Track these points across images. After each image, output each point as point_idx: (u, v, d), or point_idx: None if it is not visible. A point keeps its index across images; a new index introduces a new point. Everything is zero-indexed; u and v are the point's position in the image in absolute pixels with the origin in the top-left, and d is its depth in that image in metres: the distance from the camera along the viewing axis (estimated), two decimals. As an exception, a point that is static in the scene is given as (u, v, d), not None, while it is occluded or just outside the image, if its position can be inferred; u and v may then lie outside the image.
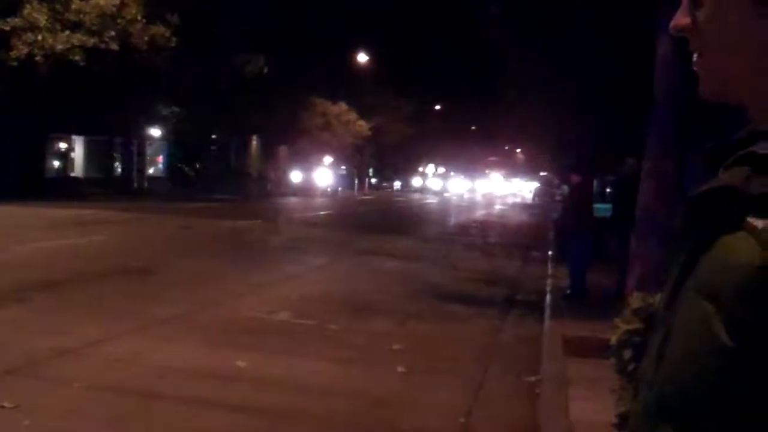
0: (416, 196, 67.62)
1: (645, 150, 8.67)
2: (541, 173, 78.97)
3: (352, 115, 60.25)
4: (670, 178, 8.24)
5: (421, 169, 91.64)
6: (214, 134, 50.49)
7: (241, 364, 7.47)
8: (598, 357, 7.58)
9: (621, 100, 16.76)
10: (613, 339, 6.10)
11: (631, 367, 5.98)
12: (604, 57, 15.65)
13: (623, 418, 5.68)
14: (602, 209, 15.53)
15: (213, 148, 51.51)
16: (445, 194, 74.95)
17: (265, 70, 42.49)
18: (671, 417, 0.89)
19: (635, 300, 6.12)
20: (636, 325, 5.98)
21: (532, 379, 7.48)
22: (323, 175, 59.94)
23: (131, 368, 7.15)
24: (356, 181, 69.90)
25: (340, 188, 60.80)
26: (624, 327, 6.05)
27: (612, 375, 6.31)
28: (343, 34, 52.64)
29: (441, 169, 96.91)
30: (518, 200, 72.45)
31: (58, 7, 27.11)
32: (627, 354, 6.00)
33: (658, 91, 8.38)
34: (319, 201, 46.29)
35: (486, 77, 40.19)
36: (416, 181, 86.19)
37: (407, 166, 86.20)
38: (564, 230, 13.35)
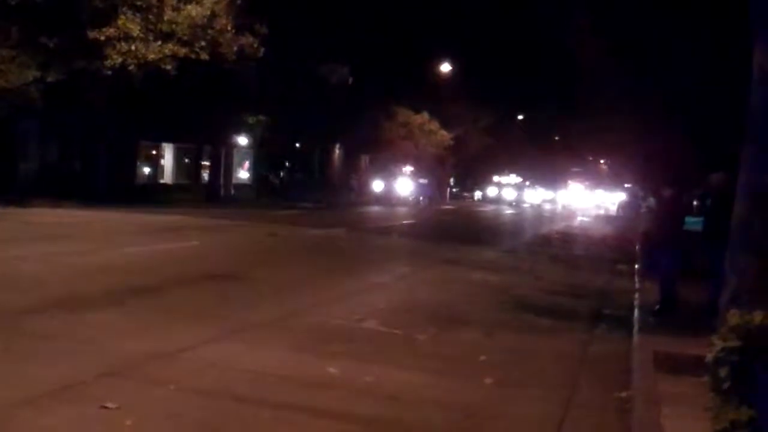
0: (492, 207, 66.09)
1: (740, 163, 8.47)
2: (626, 185, 77.28)
3: (434, 125, 60.27)
4: (766, 193, 8.04)
5: (496, 179, 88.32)
6: (298, 143, 51.14)
7: (332, 371, 7.57)
8: (690, 374, 7.45)
9: (710, 111, 16.41)
10: (709, 356, 6.00)
11: (726, 385, 5.87)
12: (694, 68, 15.37)
13: (719, 438, 5.58)
14: (691, 222, 15.22)
15: (296, 156, 52.10)
16: (522, 205, 72.12)
17: (350, 80, 42.88)
18: None
19: (733, 317, 6.00)
20: (734, 342, 5.87)
21: (623, 394, 7.38)
22: (405, 184, 59.98)
23: (223, 372, 7.30)
24: (438, 191, 69.75)
25: (421, 198, 60.77)
26: (721, 344, 5.94)
27: (706, 393, 6.20)
28: (426, 44, 52.73)
29: (518, 179, 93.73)
30: (601, 212, 71.10)
31: (151, 17, 27.84)
32: (723, 372, 5.89)
33: (753, 101, 8.19)
34: (401, 210, 46.41)
35: (570, 88, 39.79)
36: (491, 191, 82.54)
37: (488, 177, 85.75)
38: (653, 244, 13.10)
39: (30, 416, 5.76)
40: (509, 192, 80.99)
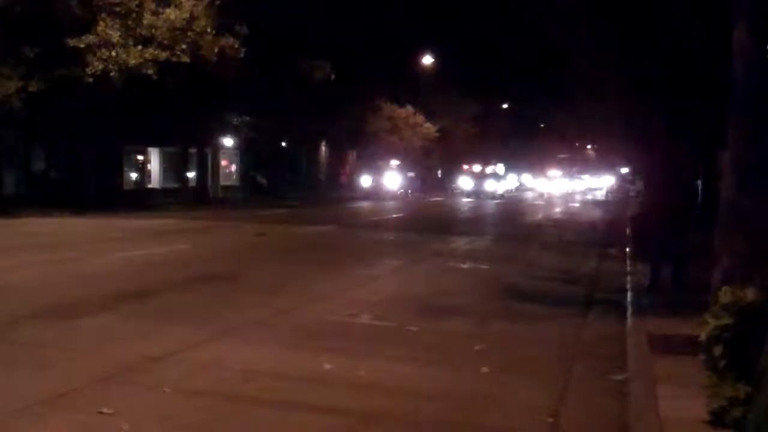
0: (464, 199, 59.85)
1: (726, 141, 8.48)
2: (618, 169, 76.94)
3: (419, 118, 60.28)
4: (753, 170, 8.03)
5: (466, 167, 79.27)
6: (283, 142, 51.07)
7: (326, 366, 7.56)
8: (685, 354, 7.46)
9: (696, 91, 16.40)
10: (703, 335, 6.01)
11: (722, 363, 5.88)
12: (679, 46, 15.34)
13: (717, 415, 5.60)
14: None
15: (283, 155, 52.00)
16: (482, 197, 62.13)
17: (332, 76, 42.82)
18: None
19: (725, 295, 6.01)
20: (726, 320, 5.88)
21: (619, 377, 7.39)
22: (392, 178, 59.88)
23: (219, 373, 7.28)
24: (425, 184, 69.56)
25: (409, 191, 60.71)
26: (714, 323, 5.96)
27: (702, 372, 6.21)
28: (407, 36, 52.69)
29: (493, 168, 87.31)
30: (589, 197, 70.70)
31: (130, 23, 27.75)
32: (717, 350, 5.90)
33: (736, 78, 8.18)
34: (389, 204, 46.38)
35: (553, 73, 39.83)
36: (464, 182, 70.16)
37: (474, 167, 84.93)
38: (649, 227, 13.01)
39: (26, 425, 5.74)
40: (467, 182, 68.98)
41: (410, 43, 54.48)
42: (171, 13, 27.92)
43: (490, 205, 50.94)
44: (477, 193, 62.07)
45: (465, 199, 57.00)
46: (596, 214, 41.24)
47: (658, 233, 12.34)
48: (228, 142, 45.73)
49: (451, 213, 41.04)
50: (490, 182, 66.36)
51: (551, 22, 19.49)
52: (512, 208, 47.60)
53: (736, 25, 8.02)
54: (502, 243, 23.15)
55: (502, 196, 62.84)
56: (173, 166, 44.09)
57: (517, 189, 77.39)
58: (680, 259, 12.22)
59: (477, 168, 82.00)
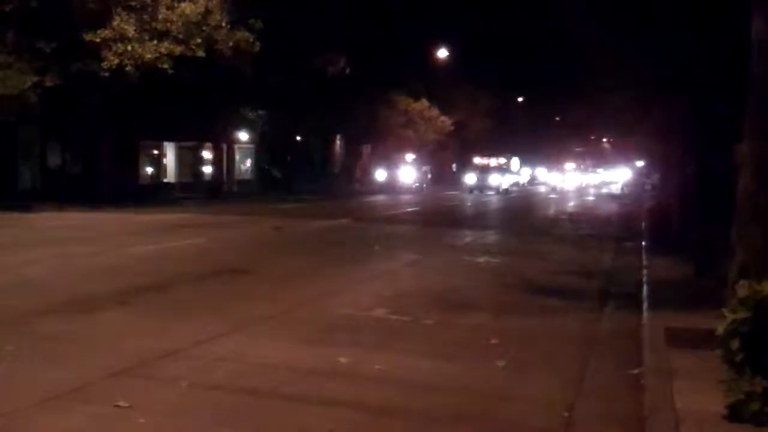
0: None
1: (742, 133, 8.41)
2: (635, 163, 76.14)
3: (434, 112, 60.08)
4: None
5: (477, 160, 70.77)
6: (298, 136, 51.10)
7: (342, 360, 7.57)
8: (701, 348, 7.43)
9: (712, 83, 16.27)
10: (720, 329, 5.98)
11: (739, 357, 5.85)
12: (694, 37, 15.22)
13: (734, 409, 5.57)
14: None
15: (298, 149, 52.02)
16: (486, 191, 57.81)
17: (347, 70, 42.78)
18: None
19: (742, 289, 5.97)
20: (744, 314, 5.85)
21: (635, 371, 7.36)
22: (407, 172, 59.67)
23: (234, 366, 7.31)
24: (440, 178, 69.29)
25: (424, 185, 60.53)
26: (731, 317, 5.92)
27: (719, 366, 6.18)
28: (422, 29, 52.54)
29: (504, 162, 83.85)
30: (603, 191, 70.15)
31: (145, 17, 27.81)
32: (735, 344, 5.87)
33: (753, 70, 8.11)
34: (404, 198, 46.35)
35: (569, 66, 39.65)
36: (468, 177, 62.53)
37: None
38: (667, 218, 12.99)
39: (44, 418, 5.77)
40: (470, 176, 62.17)
41: (425, 37, 54.29)
42: (186, 7, 27.95)
43: (500, 200, 50.58)
44: (480, 188, 58.98)
45: (467, 195, 54.85)
46: (612, 207, 41.04)
47: (677, 225, 12.30)
48: (243, 136, 45.78)
49: (466, 207, 40.98)
50: (494, 176, 62.78)
51: (567, 16, 19.38)
52: (524, 203, 47.43)
53: (754, 16, 7.96)
54: (517, 237, 23.09)
55: (506, 191, 59.87)
56: (189, 161, 44.19)
57: (530, 182, 76.01)
58: (700, 251, 12.18)
59: (485, 161, 79.63)
